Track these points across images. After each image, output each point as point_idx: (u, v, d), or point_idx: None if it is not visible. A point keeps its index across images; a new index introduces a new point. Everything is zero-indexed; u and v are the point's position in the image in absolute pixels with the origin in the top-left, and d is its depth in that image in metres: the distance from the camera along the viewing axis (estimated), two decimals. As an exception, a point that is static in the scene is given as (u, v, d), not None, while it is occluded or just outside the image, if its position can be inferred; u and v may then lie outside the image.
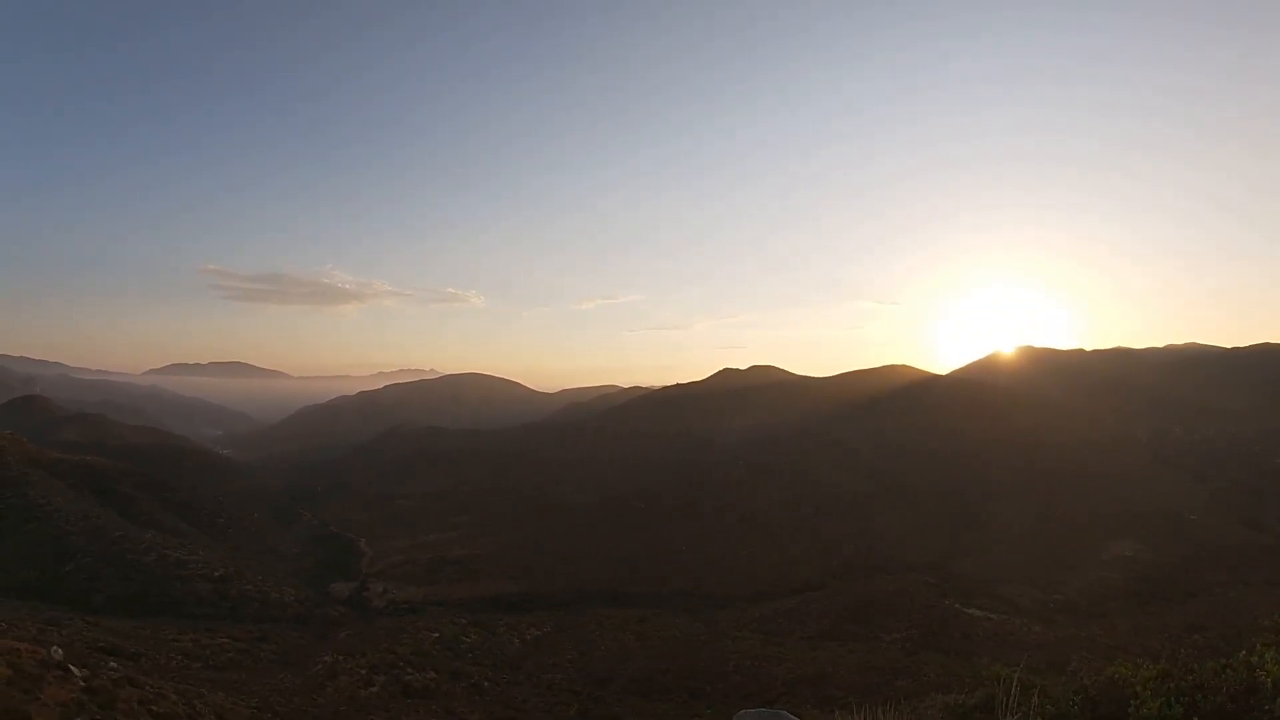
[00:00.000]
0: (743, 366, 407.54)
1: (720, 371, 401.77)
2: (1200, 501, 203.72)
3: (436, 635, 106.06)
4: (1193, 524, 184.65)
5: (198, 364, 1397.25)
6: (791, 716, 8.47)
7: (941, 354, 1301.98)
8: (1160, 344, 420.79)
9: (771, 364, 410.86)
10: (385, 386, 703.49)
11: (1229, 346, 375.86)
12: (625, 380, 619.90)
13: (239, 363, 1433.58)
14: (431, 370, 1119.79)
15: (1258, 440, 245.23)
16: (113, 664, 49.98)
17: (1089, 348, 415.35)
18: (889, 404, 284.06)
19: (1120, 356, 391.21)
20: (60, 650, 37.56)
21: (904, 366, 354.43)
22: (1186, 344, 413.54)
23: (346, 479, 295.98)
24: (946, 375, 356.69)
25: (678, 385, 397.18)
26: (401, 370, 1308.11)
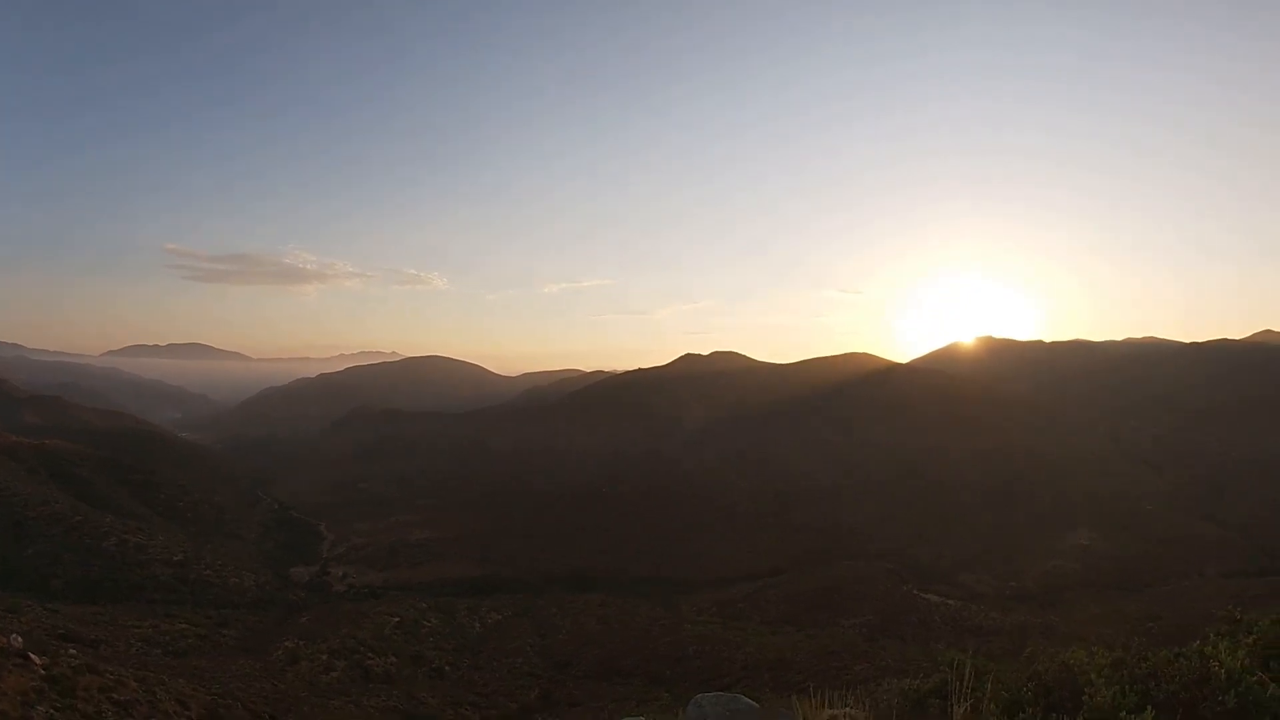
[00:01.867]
0: (705, 352, 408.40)
1: (682, 357, 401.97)
2: (1158, 493, 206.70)
3: (397, 620, 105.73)
4: (1150, 515, 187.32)
5: (157, 345, 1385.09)
6: (747, 700, 8.74)
7: (903, 343, 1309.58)
8: (1119, 337, 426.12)
9: (734, 350, 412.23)
10: (346, 369, 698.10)
11: (1187, 341, 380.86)
12: (588, 365, 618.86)
13: (199, 344, 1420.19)
14: (393, 353, 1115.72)
15: (1215, 434, 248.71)
16: (72, 651, 49.52)
17: (1048, 339, 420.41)
18: (851, 392, 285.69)
19: (1079, 349, 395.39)
20: (20, 638, 37.19)
21: (866, 355, 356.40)
22: (1145, 338, 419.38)
23: (307, 462, 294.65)
24: (908, 364, 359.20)
25: (640, 370, 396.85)
26: (363, 352, 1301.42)
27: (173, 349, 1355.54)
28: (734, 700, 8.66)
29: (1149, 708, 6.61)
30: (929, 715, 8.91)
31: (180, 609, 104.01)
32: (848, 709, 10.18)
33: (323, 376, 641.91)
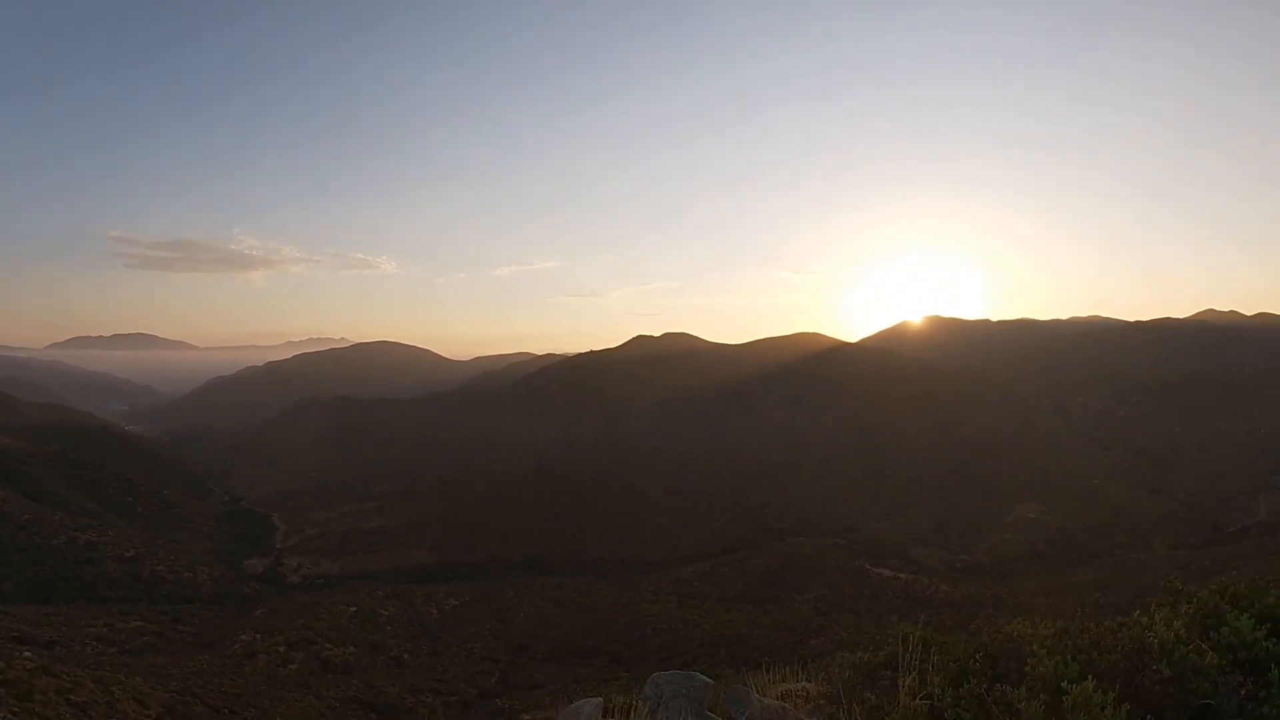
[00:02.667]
0: (657, 334, 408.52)
1: (634, 339, 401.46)
2: (1104, 468, 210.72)
3: (354, 609, 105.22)
4: (1096, 489, 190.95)
5: (101, 336, 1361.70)
6: (703, 677, 8.91)
7: (853, 322, 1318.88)
8: (1065, 316, 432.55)
9: (686, 331, 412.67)
10: (294, 356, 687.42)
11: (1131, 320, 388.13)
12: (539, 347, 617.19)
13: (144, 334, 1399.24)
14: (342, 339, 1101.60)
15: (1159, 410, 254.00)
16: (27, 653, 49.08)
17: (995, 319, 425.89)
18: (803, 371, 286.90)
19: (1026, 328, 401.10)
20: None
21: (817, 334, 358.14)
22: (1090, 316, 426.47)
23: (258, 452, 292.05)
24: (858, 343, 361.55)
25: (592, 352, 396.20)
26: (311, 339, 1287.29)
27: (118, 340, 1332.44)
28: (690, 678, 8.84)
29: (1090, 677, 6.85)
30: (880, 687, 9.17)
31: (134, 606, 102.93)
32: (803, 683, 10.44)
33: (271, 365, 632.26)
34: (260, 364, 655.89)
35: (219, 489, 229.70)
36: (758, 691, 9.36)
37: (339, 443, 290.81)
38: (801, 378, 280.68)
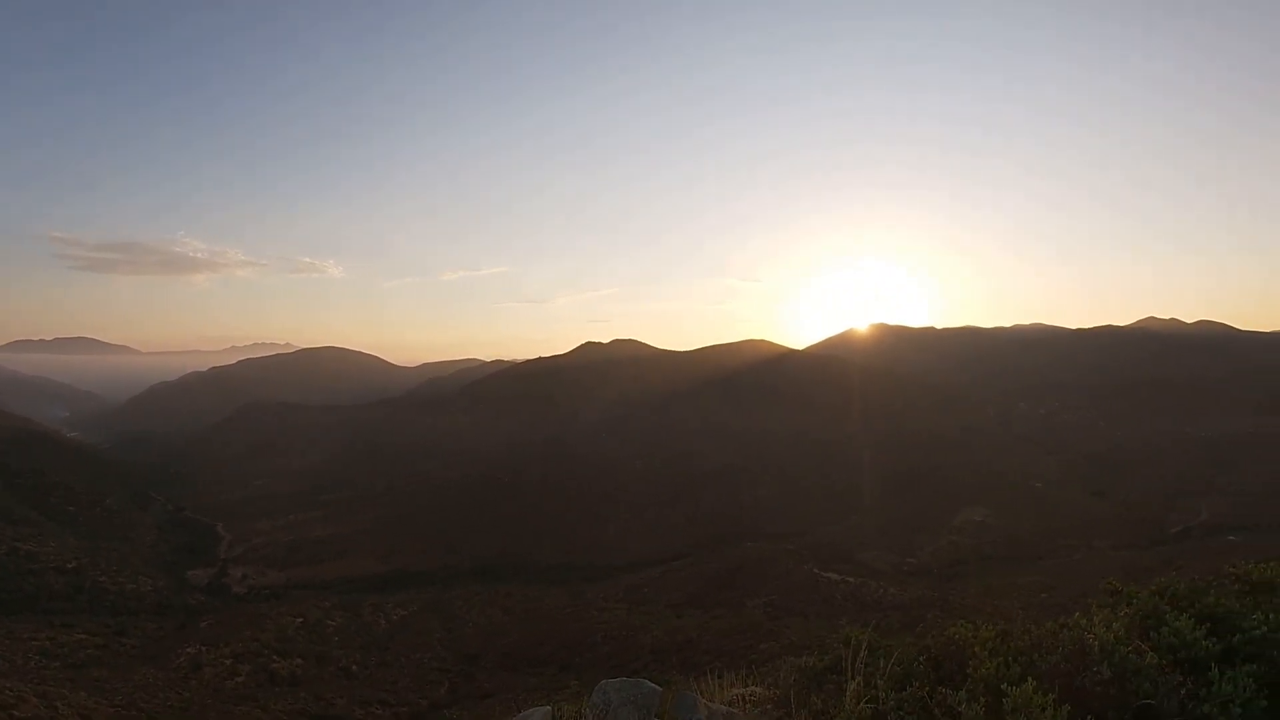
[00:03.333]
0: (605, 341, 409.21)
1: (583, 345, 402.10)
2: (1048, 471, 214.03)
3: (301, 620, 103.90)
4: (1040, 492, 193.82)
5: (42, 340, 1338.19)
6: (650, 684, 8.91)
7: (800, 330, 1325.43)
8: (1008, 324, 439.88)
9: (634, 338, 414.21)
10: (239, 361, 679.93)
11: (1073, 328, 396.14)
12: (487, 354, 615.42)
13: (86, 338, 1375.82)
14: (287, 344, 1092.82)
15: (1101, 414, 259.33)
16: (-33, 668, 48.23)
17: (940, 326, 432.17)
18: (751, 378, 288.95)
19: (970, 335, 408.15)
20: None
21: (764, 341, 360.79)
22: (1033, 324, 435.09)
23: (202, 459, 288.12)
24: (805, 350, 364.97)
25: (540, 359, 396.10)
26: (255, 344, 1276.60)
27: (59, 343, 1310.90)
28: (638, 685, 8.82)
29: (1030, 679, 6.93)
30: (826, 690, 9.22)
31: (77, 618, 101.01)
32: (752, 687, 10.48)
33: (215, 370, 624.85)
34: (204, 369, 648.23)
35: (162, 497, 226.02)
36: (707, 697, 9.39)
37: (284, 450, 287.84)
38: (750, 384, 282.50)
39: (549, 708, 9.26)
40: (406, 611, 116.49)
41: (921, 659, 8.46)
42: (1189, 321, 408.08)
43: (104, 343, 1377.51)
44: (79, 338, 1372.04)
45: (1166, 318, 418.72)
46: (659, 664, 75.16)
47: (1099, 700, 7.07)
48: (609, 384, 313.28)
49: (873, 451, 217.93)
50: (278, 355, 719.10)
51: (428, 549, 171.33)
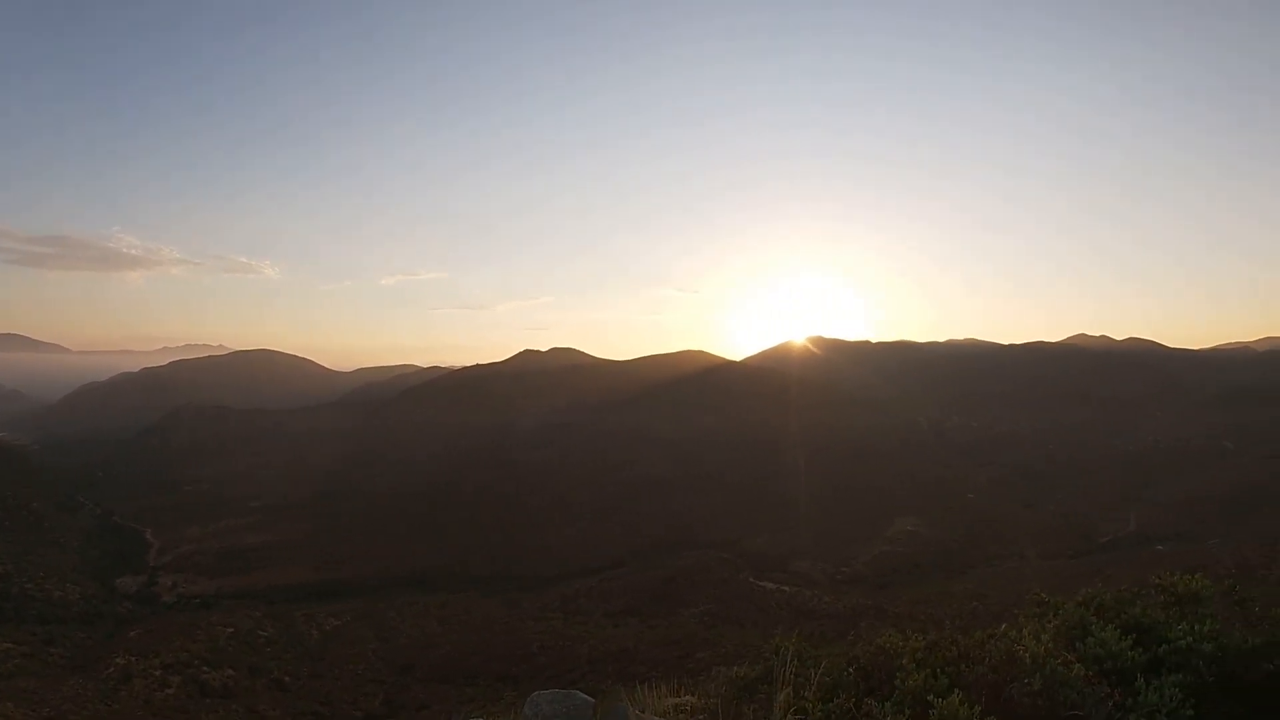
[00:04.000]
0: (544, 349, 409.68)
1: (521, 353, 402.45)
2: (979, 482, 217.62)
3: (232, 630, 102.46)
4: (972, 502, 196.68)
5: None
6: (583, 695, 8.89)
7: (737, 341, 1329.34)
8: (942, 339, 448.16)
9: (573, 347, 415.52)
10: (171, 363, 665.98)
11: (1004, 343, 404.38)
12: (424, 359, 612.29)
13: (14, 335, 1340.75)
14: (220, 346, 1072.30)
15: (1030, 427, 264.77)
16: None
17: (875, 339, 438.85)
18: (687, 388, 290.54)
19: (905, 349, 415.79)
20: None
21: (701, 352, 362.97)
22: (965, 339, 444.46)
23: (131, 463, 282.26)
24: (742, 361, 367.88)
25: (478, 366, 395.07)
26: (188, 345, 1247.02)
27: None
28: (570, 696, 8.79)
29: (957, 690, 6.97)
30: (756, 700, 9.26)
31: (3, 627, 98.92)
32: (687, 698, 10.49)
33: (146, 371, 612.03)
34: (135, 370, 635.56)
35: (90, 502, 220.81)
36: (640, 707, 9.37)
37: (216, 454, 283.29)
38: (688, 394, 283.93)
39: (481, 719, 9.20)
40: (339, 622, 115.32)
41: (850, 670, 8.51)
42: (1119, 338, 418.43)
43: (33, 340, 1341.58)
44: (7, 334, 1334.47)
45: (1098, 334, 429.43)
46: (596, 674, 75.20)
47: (1027, 712, 7.15)
48: (547, 392, 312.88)
49: (808, 462, 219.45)
50: (211, 357, 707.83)
51: (361, 558, 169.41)
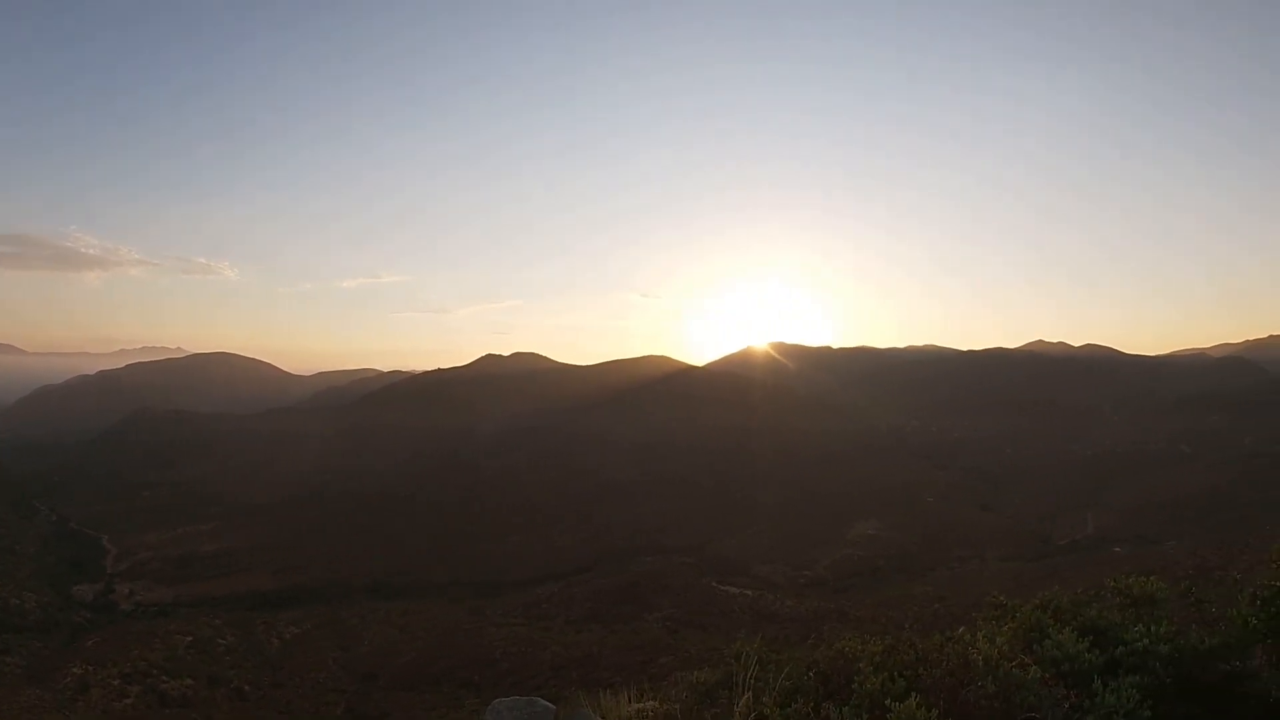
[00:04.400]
0: (506, 353, 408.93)
1: (483, 358, 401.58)
2: (939, 486, 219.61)
3: (191, 639, 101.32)
4: (931, 506, 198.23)
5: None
6: (544, 703, 8.88)
7: (699, 347, 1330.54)
8: (902, 345, 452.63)
9: (535, 351, 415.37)
10: (128, 365, 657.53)
11: (964, 349, 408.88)
12: (385, 364, 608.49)
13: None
14: (178, 348, 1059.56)
15: (991, 432, 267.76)
16: None
17: (836, 345, 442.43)
18: (649, 393, 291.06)
19: (865, 354, 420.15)
20: None
21: (663, 357, 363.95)
22: (926, 345, 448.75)
23: (87, 468, 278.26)
24: (704, 366, 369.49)
25: (440, 370, 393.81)
26: (145, 348, 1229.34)
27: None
28: (531, 703, 8.78)
29: (914, 694, 7.03)
30: (718, 705, 9.30)
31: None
32: (649, 703, 10.50)
33: (103, 374, 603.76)
34: (92, 373, 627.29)
35: (46, 507, 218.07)
36: (602, 713, 9.38)
37: (174, 459, 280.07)
38: (650, 399, 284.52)
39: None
40: (300, 630, 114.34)
41: (810, 674, 8.56)
42: (1077, 345, 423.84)
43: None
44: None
45: (1055, 341, 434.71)
46: (559, 680, 75.03)
47: (983, 715, 7.22)
48: (509, 397, 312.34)
49: (770, 467, 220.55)
50: (168, 360, 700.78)
51: (322, 564, 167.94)
